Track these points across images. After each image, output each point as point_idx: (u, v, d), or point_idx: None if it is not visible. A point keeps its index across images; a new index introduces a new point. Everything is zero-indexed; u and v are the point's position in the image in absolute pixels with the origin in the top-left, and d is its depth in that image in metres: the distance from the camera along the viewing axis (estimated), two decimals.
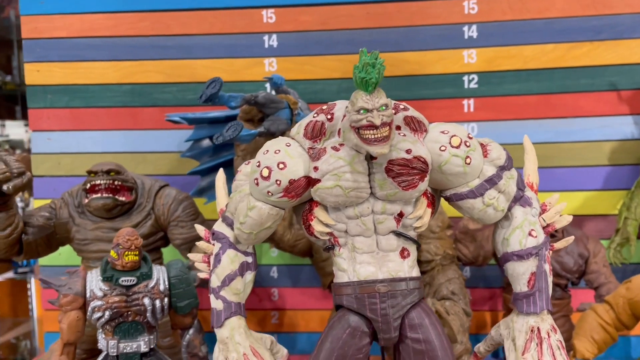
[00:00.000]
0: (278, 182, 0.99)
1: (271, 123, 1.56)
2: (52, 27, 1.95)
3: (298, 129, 1.05)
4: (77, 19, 1.94)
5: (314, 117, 1.04)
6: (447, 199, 1.05)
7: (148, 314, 1.29)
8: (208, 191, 1.74)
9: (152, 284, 1.31)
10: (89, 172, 1.61)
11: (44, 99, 1.98)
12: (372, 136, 0.91)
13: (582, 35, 1.83)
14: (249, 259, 1.09)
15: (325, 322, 1.90)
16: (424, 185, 0.98)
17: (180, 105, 1.92)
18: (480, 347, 1.13)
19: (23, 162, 1.52)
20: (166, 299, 1.32)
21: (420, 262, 1.51)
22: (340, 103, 1.04)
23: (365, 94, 0.91)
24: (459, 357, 1.37)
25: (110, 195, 1.59)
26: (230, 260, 1.07)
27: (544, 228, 1.05)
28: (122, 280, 1.28)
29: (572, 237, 1.09)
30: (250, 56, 1.91)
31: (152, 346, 1.32)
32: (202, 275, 1.12)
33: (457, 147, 0.99)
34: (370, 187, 0.99)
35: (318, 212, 1.02)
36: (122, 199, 1.61)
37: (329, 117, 1.03)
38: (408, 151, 0.96)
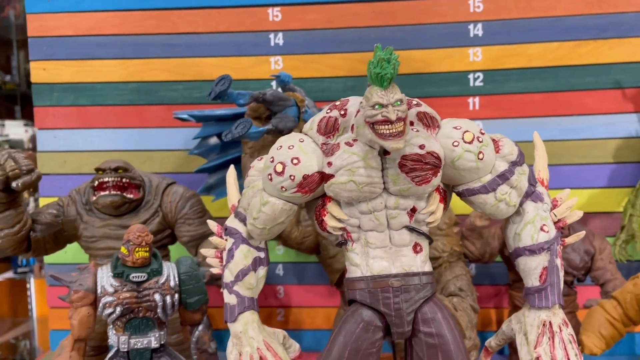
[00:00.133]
0: (292, 178, 1.00)
1: (279, 120, 1.57)
2: (58, 25, 1.95)
3: (311, 124, 1.06)
4: (84, 17, 1.94)
5: (327, 112, 1.04)
6: (459, 194, 1.06)
7: (159, 310, 1.30)
8: (216, 188, 1.75)
9: (162, 280, 1.32)
10: (97, 170, 1.61)
11: (50, 97, 1.99)
12: (387, 131, 0.91)
13: (586, 33, 1.84)
14: (262, 254, 1.09)
15: (331, 320, 1.93)
16: (437, 181, 0.99)
17: (186, 104, 1.93)
18: (492, 341, 1.14)
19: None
20: (176, 295, 1.33)
21: None
22: (353, 99, 1.05)
23: (380, 89, 0.92)
24: (467, 352, 1.38)
25: (118, 192, 1.59)
26: (244, 256, 1.07)
27: (555, 223, 1.06)
28: (133, 277, 1.28)
29: (583, 232, 1.10)
30: (257, 54, 1.92)
31: (162, 342, 1.32)
32: (214, 270, 1.12)
33: (470, 142, 1.00)
34: (384, 183, 1.00)
35: (331, 207, 1.03)
36: (130, 196, 1.61)
37: (342, 112, 1.03)
38: (421, 146, 0.97)
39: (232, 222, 1.10)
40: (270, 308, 1.99)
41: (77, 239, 1.67)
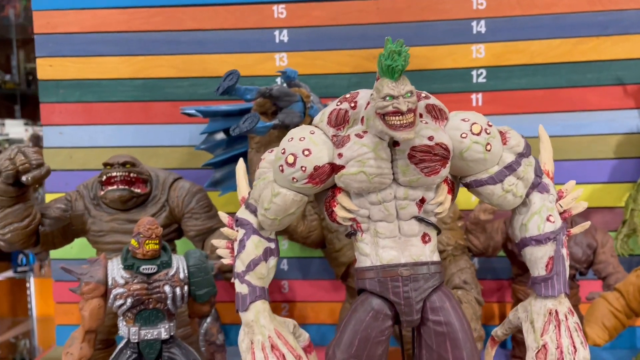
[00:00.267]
0: (303, 169, 1.01)
1: (285, 116, 1.58)
2: (65, 22, 1.97)
3: (321, 117, 1.07)
4: (90, 14, 1.96)
5: (337, 105, 1.06)
6: (467, 185, 1.08)
7: (168, 302, 1.32)
8: (222, 183, 1.76)
9: (172, 272, 1.33)
10: (105, 165, 1.63)
11: (56, 93, 2.00)
12: (398, 122, 0.93)
13: (588, 30, 1.86)
14: (272, 245, 1.11)
15: (335, 314, 1.95)
16: (445, 172, 1.01)
17: (192, 100, 1.94)
18: (498, 331, 1.16)
19: None
20: (186, 287, 1.35)
21: None
22: (363, 91, 1.07)
23: (391, 81, 0.93)
24: (474, 340, 1.40)
25: (126, 187, 1.61)
26: (255, 246, 1.09)
27: (561, 214, 1.08)
28: (143, 269, 1.30)
29: (588, 223, 1.11)
30: (262, 51, 1.94)
31: (172, 333, 1.34)
32: (225, 261, 1.14)
33: (478, 134, 1.01)
34: (393, 174, 1.01)
35: (341, 198, 1.05)
36: (138, 190, 1.63)
37: (352, 105, 1.05)
38: (430, 138, 0.99)
39: (243, 214, 1.12)
40: (275, 303, 2.00)
41: (85, 233, 1.68)
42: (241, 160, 1.23)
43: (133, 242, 1.31)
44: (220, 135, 1.74)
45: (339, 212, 1.05)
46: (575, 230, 1.10)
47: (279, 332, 1.06)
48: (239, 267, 1.09)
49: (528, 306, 1.09)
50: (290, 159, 1.02)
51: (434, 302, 1.05)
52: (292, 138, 1.04)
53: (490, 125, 1.04)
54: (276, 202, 1.05)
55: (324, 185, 1.05)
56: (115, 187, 1.60)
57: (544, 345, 1.03)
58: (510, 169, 1.05)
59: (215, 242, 1.15)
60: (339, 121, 1.05)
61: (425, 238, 1.06)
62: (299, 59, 1.92)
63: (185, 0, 1.93)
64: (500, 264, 1.91)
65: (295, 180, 1.03)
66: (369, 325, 1.04)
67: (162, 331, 1.32)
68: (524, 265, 1.15)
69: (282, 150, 1.04)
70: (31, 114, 4.58)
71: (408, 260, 1.04)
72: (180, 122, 1.95)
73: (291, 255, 2.00)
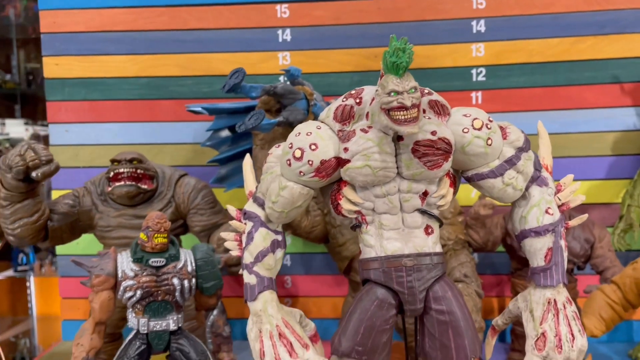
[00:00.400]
0: (310, 163, 1.05)
1: (289, 113, 1.61)
2: (71, 21, 2.00)
3: (327, 112, 1.10)
4: (96, 13, 1.99)
5: (343, 101, 1.09)
6: (469, 179, 1.11)
7: (177, 294, 1.35)
8: (227, 179, 1.79)
9: (180, 265, 1.37)
10: (113, 161, 1.66)
11: (62, 91, 2.03)
12: (403, 117, 0.96)
13: (586, 29, 1.89)
14: (279, 237, 1.14)
15: (337, 309, 1.98)
16: (447, 165, 1.04)
17: (196, 98, 1.97)
18: (499, 320, 1.19)
19: None
20: (193, 280, 1.38)
21: None
22: (368, 88, 1.10)
23: (395, 78, 0.97)
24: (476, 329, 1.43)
25: (133, 183, 1.64)
26: (262, 238, 1.12)
27: (559, 206, 1.11)
28: (152, 261, 1.33)
29: (586, 215, 1.15)
30: (265, 50, 1.97)
31: (180, 325, 1.37)
32: (233, 253, 1.16)
33: (479, 129, 1.05)
34: (397, 167, 1.04)
35: (347, 191, 1.08)
36: (144, 186, 1.66)
37: (357, 101, 1.08)
38: (433, 133, 1.02)
39: (251, 207, 1.15)
40: (278, 297, 2.02)
41: (93, 228, 1.71)
42: (248, 155, 1.26)
43: (142, 235, 1.34)
44: (226, 133, 1.77)
45: (345, 205, 1.09)
46: (573, 222, 1.13)
47: (286, 322, 1.09)
48: (247, 258, 1.12)
49: (528, 296, 1.12)
50: (298, 153, 1.05)
51: (436, 291, 1.08)
52: (299, 133, 1.08)
53: (491, 121, 1.07)
54: (283, 195, 1.09)
55: (330, 178, 1.08)
56: (122, 183, 1.63)
57: (542, 334, 1.06)
58: (510, 163, 1.08)
59: (223, 234, 1.18)
60: (345, 116, 1.08)
61: (428, 230, 1.09)
62: (301, 57, 1.95)
63: (190, 0, 1.96)
64: (500, 259, 1.94)
65: (302, 173, 1.06)
66: (373, 314, 1.08)
67: (171, 322, 1.35)
68: (523, 259, 1.19)
69: (290, 145, 1.07)
70: (31, 114, 4.60)
71: (411, 251, 1.08)
72: (184, 120, 1.98)
73: (294, 251, 2.03)
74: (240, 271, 1.14)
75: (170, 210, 1.71)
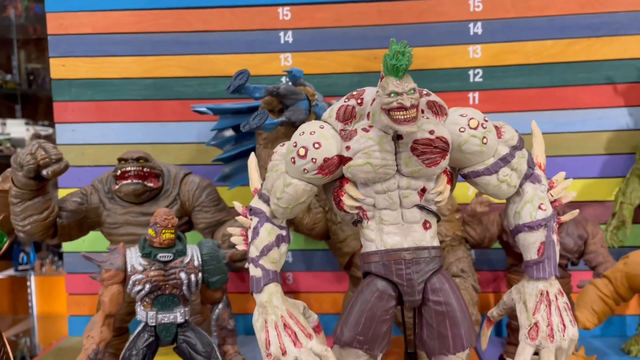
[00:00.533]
0: (314, 160, 1.09)
1: (292, 113, 1.66)
2: (77, 23, 2.04)
3: (330, 112, 1.15)
4: (102, 15, 2.04)
5: (345, 101, 1.14)
6: (465, 176, 1.16)
7: (184, 287, 1.39)
8: (231, 177, 1.83)
9: (187, 260, 1.41)
10: (120, 160, 1.70)
11: (69, 92, 2.07)
12: (402, 117, 1.01)
13: (580, 32, 1.94)
14: (284, 232, 1.18)
15: (337, 304, 2.02)
16: (445, 163, 1.09)
17: (200, 98, 2.02)
18: (494, 311, 1.24)
19: None
20: (200, 274, 1.42)
21: None
22: (369, 89, 1.14)
23: (395, 79, 1.01)
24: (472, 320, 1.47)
25: (140, 181, 1.68)
26: (268, 233, 1.16)
27: (551, 202, 1.16)
28: (160, 256, 1.38)
29: (577, 211, 1.20)
30: (267, 51, 2.01)
31: (186, 317, 1.42)
32: (239, 247, 1.21)
33: (475, 128, 1.09)
34: (397, 165, 1.09)
35: (348, 188, 1.12)
36: (150, 185, 1.70)
37: (359, 101, 1.13)
38: (431, 132, 1.07)
39: (256, 203, 1.20)
40: None
41: (100, 225, 1.75)
42: (253, 154, 1.30)
43: (150, 231, 1.38)
44: (230, 132, 1.81)
45: (347, 201, 1.13)
46: (565, 217, 1.18)
47: (291, 313, 1.14)
48: (253, 252, 1.16)
49: (521, 288, 1.17)
50: (302, 152, 1.10)
51: (434, 283, 1.13)
52: (303, 132, 1.12)
53: (486, 120, 1.12)
54: (288, 191, 1.13)
55: (333, 176, 1.13)
56: (129, 181, 1.67)
57: (535, 323, 1.11)
58: (505, 160, 1.13)
59: (230, 229, 1.23)
60: (347, 116, 1.13)
61: (426, 225, 1.14)
62: (303, 59, 2.00)
63: (193, 3, 2.01)
64: (496, 256, 1.99)
65: (306, 171, 1.11)
66: (374, 305, 1.12)
67: (178, 315, 1.40)
68: (519, 255, 1.23)
69: (294, 144, 1.12)
70: (31, 114, 4.63)
71: (410, 245, 1.12)
72: (189, 120, 2.03)
73: (296, 248, 2.07)
74: (246, 265, 1.19)
75: (175, 207, 1.75)
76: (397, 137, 1.08)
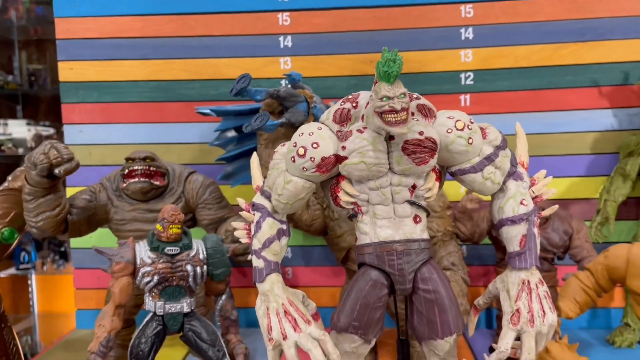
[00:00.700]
0: (312, 159, 1.18)
1: (291, 115, 1.73)
2: (85, 28, 2.11)
3: (327, 115, 1.24)
4: (109, 21, 2.10)
5: (341, 105, 1.23)
6: (452, 174, 1.24)
7: (190, 279, 1.48)
8: (233, 176, 1.90)
9: (192, 253, 1.49)
10: (127, 159, 1.77)
11: (76, 94, 2.14)
12: (393, 119, 1.09)
13: (567, 36, 2.01)
14: (284, 226, 1.26)
15: (335, 298, 2.11)
16: (433, 162, 1.17)
17: (203, 101, 2.08)
18: (480, 300, 1.32)
19: None
20: (205, 267, 1.51)
21: None
22: (363, 93, 1.23)
23: (387, 85, 1.09)
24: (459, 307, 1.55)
25: (146, 179, 1.75)
26: (269, 227, 1.24)
27: (533, 198, 1.24)
28: (168, 250, 1.46)
29: (557, 206, 1.28)
30: (267, 55, 2.08)
31: (192, 308, 1.50)
32: (242, 240, 1.29)
33: (462, 129, 1.18)
34: (389, 163, 1.17)
35: (344, 185, 1.21)
36: (157, 183, 1.77)
37: (354, 105, 1.21)
38: (421, 133, 1.15)
39: (258, 199, 1.28)
40: None
41: (108, 222, 1.83)
42: (255, 154, 1.38)
43: (158, 226, 1.47)
44: (232, 133, 1.88)
45: (343, 197, 1.22)
46: (546, 212, 1.27)
47: (291, 301, 1.22)
48: (256, 244, 1.24)
49: (505, 277, 1.25)
50: (301, 151, 1.18)
51: (423, 273, 1.21)
52: (302, 133, 1.20)
53: (472, 122, 1.20)
54: (288, 188, 1.22)
55: (330, 173, 1.21)
56: (136, 179, 1.75)
57: (517, 310, 1.19)
58: (489, 159, 1.21)
59: (234, 224, 1.31)
60: (343, 118, 1.21)
61: (416, 219, 1.23)
62: (302, 62, 2.07)
63: (197, 9, 2.08)
64: (486, 251, 2.06)
65: (305, 169, 1.19)
66: (368, 293, 1.21)
67: (184, 305, 1.48)
68: None
69: (294, 144, 1.20)
70: (33, 114, 4.69)
71: (402, 238, 1.21)
72: (192, 121, 2.10)
73: (295, 244, 2.14)
74: (249, 257, 1.27)
75: (180, 204, 1.83)
76: (390, 138, 1.16)
